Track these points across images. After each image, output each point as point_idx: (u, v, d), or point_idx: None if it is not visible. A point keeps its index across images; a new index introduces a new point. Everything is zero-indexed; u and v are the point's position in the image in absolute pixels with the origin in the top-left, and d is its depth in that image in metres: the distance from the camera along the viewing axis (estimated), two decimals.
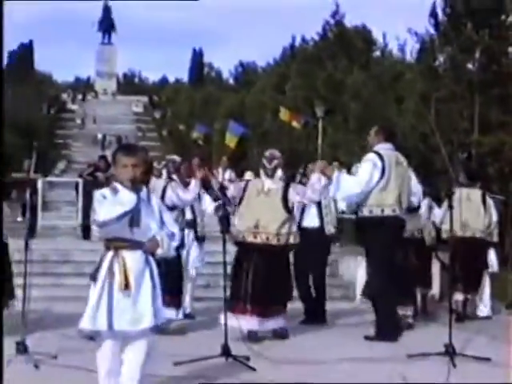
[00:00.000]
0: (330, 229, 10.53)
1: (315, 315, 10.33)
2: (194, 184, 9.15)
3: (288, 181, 9.24)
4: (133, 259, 5.50)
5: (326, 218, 10.44)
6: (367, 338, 8.90)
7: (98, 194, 5.54)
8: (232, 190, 9.15)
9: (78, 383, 6.52)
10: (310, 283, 10.49)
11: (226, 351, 7.40)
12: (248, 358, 7.38)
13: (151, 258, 5.61)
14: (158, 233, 5.59)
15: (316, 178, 8.81)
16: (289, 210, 8.89)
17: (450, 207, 8.45)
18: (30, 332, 7.63)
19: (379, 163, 8.83)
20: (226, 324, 7.63)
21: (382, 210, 8.88)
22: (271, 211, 8.78)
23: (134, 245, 5.52)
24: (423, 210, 10.23)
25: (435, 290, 11.80)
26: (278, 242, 8.78)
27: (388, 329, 8.83)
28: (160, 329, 5.71)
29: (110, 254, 5.52)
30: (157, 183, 9.17)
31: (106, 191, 5.53)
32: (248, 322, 8.58)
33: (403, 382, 6.78)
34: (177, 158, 10.38)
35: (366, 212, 8.93)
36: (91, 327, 5.50)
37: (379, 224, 8.87)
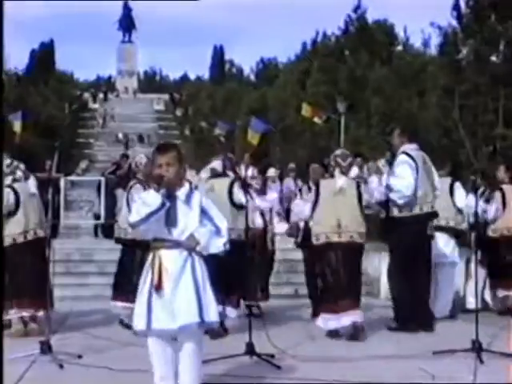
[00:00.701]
0: None
1: None
2: (272, 195, 9.39)
3: (358, 180, 9.30)
4: (170, 258, 5.51)
5: None
6: (390, 328, 9.11)
7: (136, 195, 5.62)
8: (302, 206, 9.28)
9: (101, 382, 6.48)
10: None
11: (250, 349, 7.33)
12: (273, 356, 7.32)
13: (196, 256, 5.58)
14: (197, 229, 5.56)
15: (377, 181, 9.19)
16: (362, 208, 8.95)
17: (476, 202, 8.54)
18: (53, 332, 7.60)
19: (413, 164, 9.18)
20: (250, 322, 7.56)
21: (421, 208, 9.23)
22: (351, 210, 8.84)
23: (172, 244, 5.53)
24: (471, 203, 10.06)
25: (460, 286, 11.66)
26: (361, 239, 8.87)
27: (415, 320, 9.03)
28: (209, 327, 5.75)
29: (151, 254, 5.57)
30: (217, 181, 9.17)
31: (143, 193, 5.67)
32: (338, 320, 8.66)
33: (430, 378, 6.68)
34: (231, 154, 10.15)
35: (405, 211, 9.18)
36: (136, 326, 5.59)
37: (417, 221, 9.18)
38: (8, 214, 8.84)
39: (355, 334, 8.60)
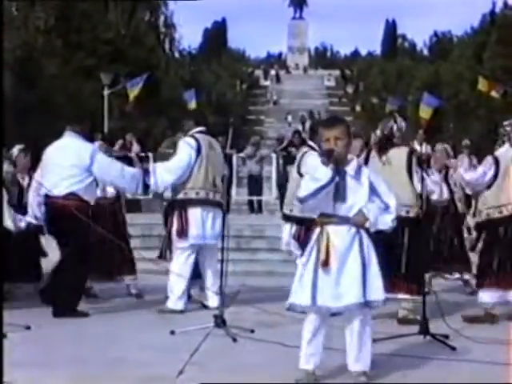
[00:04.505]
0: None
1: None
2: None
3: None
4: (338, 235, 5.45)
5: None
6: None
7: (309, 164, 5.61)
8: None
9: (274, 357, 6.48)
10: None
11: (424, 329, 7.17)
12: (447, 337, 7.11)
13: (363, 234, 5.52)
14: (365, 206, 5.49)
15: None
16: None
17: None
18: (226, 306, 7.69)
19: None
20: (424, 300, 7.39)
21: None
22: None
23: (340, 220, 5.47)
24: None
25: None
26: None
27: None
28: (373, 306, 5.61)
29: (318, 229, 5.53)
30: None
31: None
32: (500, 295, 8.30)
33: None
34: None
35: None
36: (296, 301, 5.55)
37: None
38: None
39: None
